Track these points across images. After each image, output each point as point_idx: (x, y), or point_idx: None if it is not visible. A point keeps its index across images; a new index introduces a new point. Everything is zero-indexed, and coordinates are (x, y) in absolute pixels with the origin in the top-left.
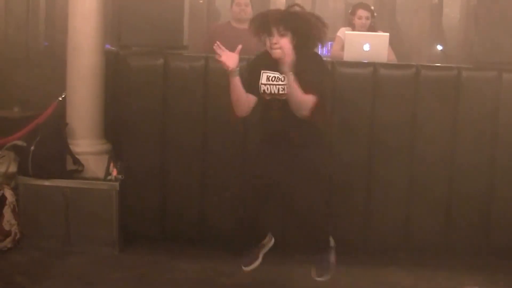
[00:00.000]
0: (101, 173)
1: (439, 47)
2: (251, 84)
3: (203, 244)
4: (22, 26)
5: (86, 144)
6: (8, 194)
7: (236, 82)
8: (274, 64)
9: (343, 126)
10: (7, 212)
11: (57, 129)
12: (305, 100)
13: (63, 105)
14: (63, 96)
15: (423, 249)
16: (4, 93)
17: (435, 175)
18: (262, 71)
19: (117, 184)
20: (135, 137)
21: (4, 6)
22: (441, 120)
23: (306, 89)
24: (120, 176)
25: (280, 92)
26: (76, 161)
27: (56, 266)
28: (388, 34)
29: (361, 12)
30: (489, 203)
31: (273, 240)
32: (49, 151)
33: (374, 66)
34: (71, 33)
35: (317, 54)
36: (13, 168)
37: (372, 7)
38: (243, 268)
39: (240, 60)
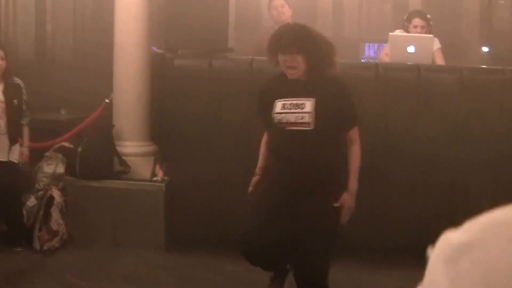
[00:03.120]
0: (147, 175)
1: (485, 49)
2: (265, 119)
3: None
4: (69, 29)
5: (133, 145)
6: (56, 194)
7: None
8: (289, 90)
9: (387, 126)
10: (55, 212)
11: (104, 131)
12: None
13: (110, 107)
14: (110, 98)
15: None
16: (51, 95)
17: (479, 176)
18: (276, 101)
19: (163, 185)
20: (181, 139)
21: (51, 9)
22: (486, 121)
23: (346, 125)
24: (166, 178)
25: (299, 121)
26: (123, 163)
27: (103, 266)
28: (432, 36)
29: (417, 22)
30: None
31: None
32: (96, 153)
33: (418, 68)
34: (118, 36)
35: (338, 79)
36: (60, 169)
37: (428, 15)
38: None
39: None
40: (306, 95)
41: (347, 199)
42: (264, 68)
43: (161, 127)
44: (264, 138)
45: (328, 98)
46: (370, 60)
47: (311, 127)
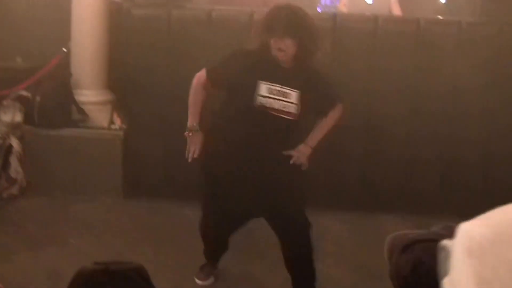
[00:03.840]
0: (105, 123)
1: (442, 0)
2: (237, 88)
3: None
4: None
5: (90, 94)
6: (15, 143)
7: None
8: (275, 75)
9: (343, 77)
10: (13, 160)
11: (62, 80)
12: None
13: (67, 56)
14: (68, 46)
15: (421, 199)
16: (6, 43)
17: (435, 127)
18: (259, 82)
19: (121, 133)
20: (139, 87)
21: None
22: (443, 73)
23: (327, 106)
24: (123, 125)
25: (282, 108)
26: (81, 111)
27: (61, 213)
28: None
29: None
30: (486, 157)
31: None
32: (54, 101)
33: (375, 18)
34: None
35: (317, 70)
36: (18, 118)
37: None
38: (197, 281)
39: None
40: (292, 85)
41: (302, 148)
42: (223, 17)
43: (119, 75)
44: (202, 91)
45: (310, 91)
46: (326, 9)
47: (294, 118)
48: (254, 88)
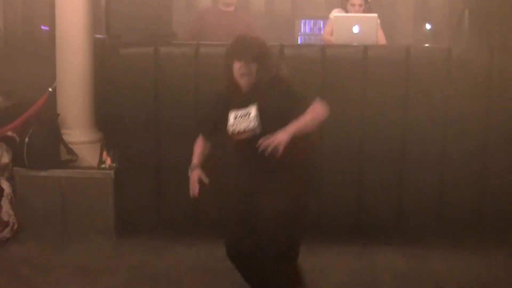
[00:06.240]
0: (95, 162)
1: (428, 26)
2: (215, 127)
3: (198, 230)
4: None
5: (79, 133)
6: (5, 185)
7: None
8: (238, 100)
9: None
10: (5, 203)
11: (50, 120)
12: (310, 122)
13: (53, 95)
14: (53, 86)
15: (416, 229)
16: None
17: (427, 156)
18: (229, 113)
19: (112, 172)
20: (127, 125)
21: None
22: (433, 101)
23: (297, 109)
24: (114, 164)
25: (249, 126)
26: (70, 151)
27: (56, 256)
28: (376, 15)
29: (354, 0)
30: (481, 183)
31: None
32: (43, 143)
33: (364, 48)
34: (59, 22)
35: (289, 85)
36: (5, 159)
37: None
38: None
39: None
40: (251, 102)
41: (278, 133)
42: (211, 53)
43: (107, 113)
44: (199, 140)
45: (270, 99)
46: (306, 37)
47: (258, 132)
48: (226, 121)
